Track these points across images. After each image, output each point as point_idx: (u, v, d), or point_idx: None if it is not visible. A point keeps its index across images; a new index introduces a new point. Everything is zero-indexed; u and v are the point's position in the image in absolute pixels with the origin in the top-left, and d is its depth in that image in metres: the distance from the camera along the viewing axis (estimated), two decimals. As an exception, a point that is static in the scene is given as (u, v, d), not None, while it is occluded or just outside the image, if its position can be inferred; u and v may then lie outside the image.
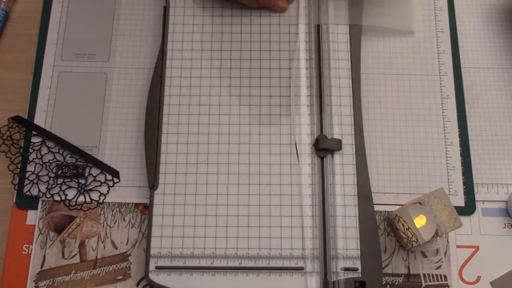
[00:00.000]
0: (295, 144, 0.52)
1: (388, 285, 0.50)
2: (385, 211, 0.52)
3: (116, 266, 0.51)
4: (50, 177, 0.52)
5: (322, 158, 0.52)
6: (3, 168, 0.53)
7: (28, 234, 0.51)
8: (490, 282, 0.50)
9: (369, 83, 0.56)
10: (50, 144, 0.54)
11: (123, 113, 0.55)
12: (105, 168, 0.53)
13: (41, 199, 0.52)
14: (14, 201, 0.52)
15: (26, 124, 0.54)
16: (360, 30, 0.55)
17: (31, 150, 0.53)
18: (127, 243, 0.51)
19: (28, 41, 0.58)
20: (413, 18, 0.58)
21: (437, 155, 0.54)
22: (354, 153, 0.52)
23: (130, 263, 0.51)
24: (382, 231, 0.52)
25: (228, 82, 0.54)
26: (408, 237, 0.48)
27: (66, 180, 0.52)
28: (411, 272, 0.51)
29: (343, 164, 0.51)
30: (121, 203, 0.52)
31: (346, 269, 0.49)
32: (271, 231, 0.50)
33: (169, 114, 0.53)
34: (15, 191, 0.53)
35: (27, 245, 0.51)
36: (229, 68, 0.54)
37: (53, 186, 0.52)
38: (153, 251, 0.49)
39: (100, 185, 0.52)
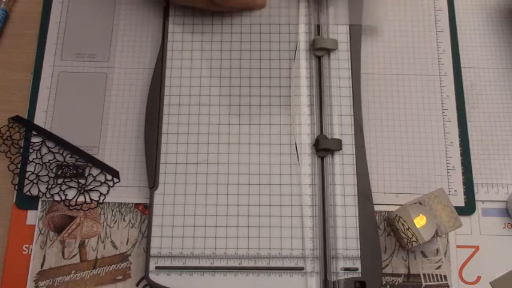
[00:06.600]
0: (295, 144, 0.52)
1: (388, 285, 0.50)
2: (385, 211, 0.52)
3: (116, 266, 0.51)
4: (50, 177, 0.52)
5: (322, 158, 0.52)
6: (3, 168, 0.53)
7: (28, 234, 0.51)
8: (490, 282, 0.50)
9: (369, 83, 0.56)
10: (50, 144, 0.54)
11: (123, 113, 0.55)
12: (105, 168, 0.53)
13: (41, 199, 0.52)
14: (14, 201, 0.52)
15: (26, 124, 0.54)
16: (360, 30, 0.55)
17: (31, 150, 0.53)
18: (127, 243, 0.51)
19: (28, 41, 0.58)
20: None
21: (437, 155, 0.54)
22: (354, 153, 0.52)
23: (131, 263, 0.51)
24: (382, 231, 0.52)
25: (228, 82, 0.54)
26: (408, 237, 0.48)
27: (66, 180, 0.52)
28: (411, 272, 0.51)
29: (343, 164, 0.51)
30: (121, 203, 0.52)
31: (346, 269, 0.49)
32: (271, 231, 0.50)
33: (169, 114, 0.53)
34: (15, 191, 0.53)
35: (27, 245, 0.51)
36: (229, 68, 0.54)
37: (53, 186, 0.52)
38: (153, 251, 0.49)
39: (100, 185, 0.52)
